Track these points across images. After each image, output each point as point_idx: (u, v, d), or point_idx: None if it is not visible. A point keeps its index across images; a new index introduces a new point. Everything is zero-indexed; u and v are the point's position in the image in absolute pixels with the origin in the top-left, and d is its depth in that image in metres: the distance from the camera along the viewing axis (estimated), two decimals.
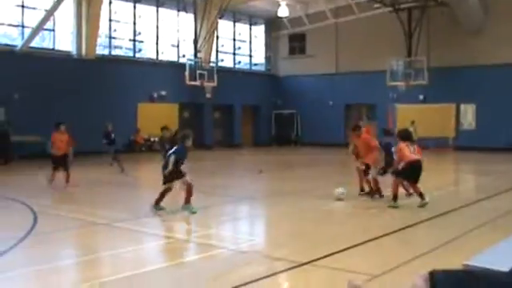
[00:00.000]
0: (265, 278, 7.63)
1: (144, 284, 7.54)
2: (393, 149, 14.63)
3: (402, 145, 13.56)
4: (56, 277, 7.97)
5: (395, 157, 14.19)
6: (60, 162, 17.27)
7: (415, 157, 13.44)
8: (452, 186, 20.02)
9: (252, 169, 22.50)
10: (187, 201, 12.86)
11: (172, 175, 12.79)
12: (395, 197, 13.45)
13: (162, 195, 12.87)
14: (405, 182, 14.20)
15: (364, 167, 14.97)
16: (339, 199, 14.48)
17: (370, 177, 14.78)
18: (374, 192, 14.71)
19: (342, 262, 8.35)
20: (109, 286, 7.38)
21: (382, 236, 10.13)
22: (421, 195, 13.30)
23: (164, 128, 18.18)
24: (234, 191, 17.27)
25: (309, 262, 8.26)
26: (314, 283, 7.57)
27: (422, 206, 13.12)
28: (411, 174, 13.33)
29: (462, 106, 36.07)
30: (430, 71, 35.64)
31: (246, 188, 18.49)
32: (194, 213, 12.66)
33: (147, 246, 10.23)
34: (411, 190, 14.19)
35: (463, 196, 17.09)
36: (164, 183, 12.88)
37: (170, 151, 13.09)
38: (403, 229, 10.87)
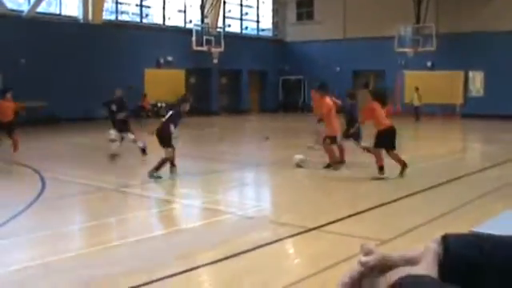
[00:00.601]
0: (272, 243, 7.68)
1: (151, 248, 7.59)
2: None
3: (376, 105, 12.73)
4: (63, 242, 8.04)
5: (360, 115, 14.03)
6: (6, 129, 17.04)
7: (389, 123, 12.76)
8: (457, 154, 19.98)
9: (259, 135, 22.50)
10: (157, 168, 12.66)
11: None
12: (381, 168, 12.70)
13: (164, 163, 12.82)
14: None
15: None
16: (299, 166, 14.11)
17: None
18: (335, 162, 13.89)
19: (348, 228, 8.39)
20: (115, 251, 7.44)
21: (387, 203, 10.15)
22: (381, 168, 12.67)
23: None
24: (241, 158, 17.33)
25: (315, 228, 8.31)
26: (321, 248, 7.60)
27: (377, 178, 12.39)
28: (387, 141, 12.67)
29: (471, 73, 35.80)
30: (438, 37, 35.32)
31: (252, 154, 18.52)
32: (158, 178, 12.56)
33: (154, 211, 10.31)
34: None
35: (468, 164, 17.07)
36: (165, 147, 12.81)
37: (167, 115, 13.05)
38: (408, 196, 10.86)
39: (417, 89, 33.62)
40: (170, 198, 11.56)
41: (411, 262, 0.89)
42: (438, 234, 0.90)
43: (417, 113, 32.86)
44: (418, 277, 0.83)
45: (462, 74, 35.86)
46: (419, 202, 10.55)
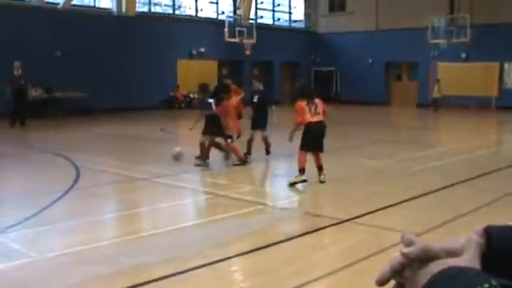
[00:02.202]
0: (305, 234, 7.69)
1: (184, 238, 7.66)
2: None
3: (301, 104, 11.30)
4: (98, 230, 8.16)
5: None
6: None
7: (311, 119, 11.20)
8: (494, 147, 19.73)
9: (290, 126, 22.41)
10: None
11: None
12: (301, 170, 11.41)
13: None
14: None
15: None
16: (176, 159, 13.87)
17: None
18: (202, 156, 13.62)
19: (383, 220, 8.36)
20: (149, 240, 7.53)
21: (422, 195, 10.09)
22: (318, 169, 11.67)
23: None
24: (274, 148, 17.27)
25: (349, 220, 8.30)
26: (354, 240, 7.59)
27: (293, 183, 11.22)
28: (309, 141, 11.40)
29: (506, 65, 35.26)
30: (472, 28, 34.80)
31: (284, 145, 18.45)
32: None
33: (187, 201, 10.39)
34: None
35: (506, 156, 16.83)
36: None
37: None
38: (443, 188, 10.78)
39: (438, 80, 33.51)
40: (203, 188, 11.63)
41: (453, 253, 0.89)
42: (475, 228, 0.91)
43: (435, 104, 32.84)
44: (461, 268, 0.83)
45: (497, 65, 35.29)
46: (455, 195, 10.46)
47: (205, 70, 33.98)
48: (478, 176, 12.09)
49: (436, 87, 33.84)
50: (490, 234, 0.91)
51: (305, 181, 11.26)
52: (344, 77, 41.28)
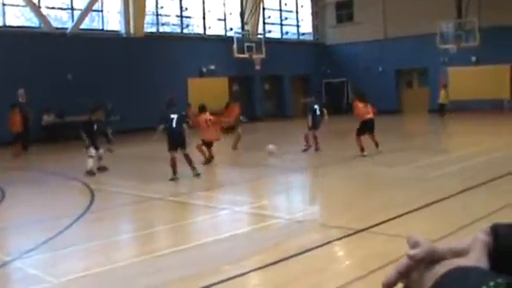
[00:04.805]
0: (322, 245, 7.65)
1: (202, 255, 7.64)
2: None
3: (359, 105, 17.62)
4: (116, 251, 8.16)
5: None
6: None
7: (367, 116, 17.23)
8: (509, 149, 19.58)
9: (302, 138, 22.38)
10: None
11: None
12: (362, 149, 16.77)
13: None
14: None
15: None
16: (271, 154, 17.42)
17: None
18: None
19: (398, 228, 8.30)
20: (168, 258, 7.51)
21: (438, 201, 10.01)
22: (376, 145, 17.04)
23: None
24: (287, 162, 17.28)
25: (365, 229, 8.24)
26: (371, 250, 7.53)
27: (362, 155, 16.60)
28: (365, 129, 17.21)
29: None
30: (481, 32, 34.64)
31: (299, 158, 18.46)
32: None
33: (203, 218, 10.36)
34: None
35: None
36: None
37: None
38: (460, 192, 10.70)
39: (445, 86, 33.49)
40: (218, 205, 11.60)
41: (460, 253, 0.87)
42: None
43: (442, 110, 32.72)
44: (467, 268, 0.81)
45: (507, 67, 35.13)
46: (473, 199, 10.37)
47: (216, 88, 34.09)
48: (496, 178, 11.98)
49: (443, 93, 33.77)
50: (497, 232, 0.89)
51: (365, 155, 16.57)
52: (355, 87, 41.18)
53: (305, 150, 18.78)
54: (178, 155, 14.01)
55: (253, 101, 38.27)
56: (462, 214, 9.00)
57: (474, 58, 35.95)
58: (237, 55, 34.84)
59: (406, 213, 9.14)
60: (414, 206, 9.57)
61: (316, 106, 19.09)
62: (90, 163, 15.32)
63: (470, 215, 8.71)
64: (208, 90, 32.94)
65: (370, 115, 17.18)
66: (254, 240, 8.30)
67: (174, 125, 14.14)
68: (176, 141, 14.08)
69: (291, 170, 15.63)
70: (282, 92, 40.98)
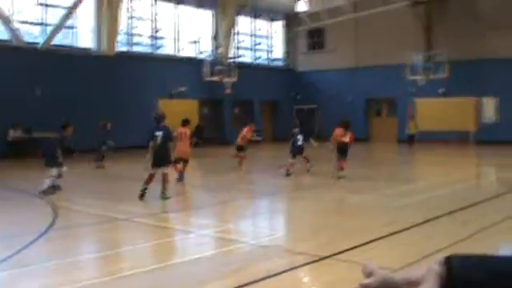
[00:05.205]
0: (286, 271, 7.62)
1: (164, 278, 7.56)
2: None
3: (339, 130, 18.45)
4: (76, 271, 8.01)
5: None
6: None
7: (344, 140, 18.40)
8: (473, 180, 19.85)
9: (272, 163, 22.45)
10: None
11: None
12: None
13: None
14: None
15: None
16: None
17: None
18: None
19: (363, 256, 8.31)
20: (128, 281, 7.41)
21: (403, 230, 10.07)
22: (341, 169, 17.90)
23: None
24: (256, 186, 17.29)
25: (330, 256, 8.23)
26: (335, 276, 7.53)
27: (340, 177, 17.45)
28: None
29: (484, 100, 35.67)
30: (450, 65, 35.26)
31: (267, 182, 18.48)
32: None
33: (167, 240, 10.26)
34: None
35: (485, 189, 16.93)
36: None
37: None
38: (425, 222, 10.78)
39: (413, 117, 34.25)
40: (183, 227, 11.51)
41: (413, 283, 0.87)
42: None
43: (410, 140, 33.37)
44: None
45: (475, 100, 35.70)
46: (437, 229, 10.44)
47: (185, 110, 33.99)
48: (460, 209, 12.11)
49: (412, 123, 34.36)
50: (451, 263, 0.89)
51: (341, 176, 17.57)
52: (325, 114, 41.44)
53: (288, 175, 18.83)
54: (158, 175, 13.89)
55: (222, 124, 38.26)
56: (425, 244, 9.06)
57: (442, 90, 36.53)
58: (208, 78, 34.92)
59: (372, 240, 9.17)
60: (379, 233, 9.61)
61: (299, 136, 19.55)
62: (50, 182, 15.06)
63: (433, 245, 8.77)
64: (178, 112, 32.81)
65: (346, 139, 18.14)
66: (218, 264, 8.24)
67: (158, 142, 13.95)
68: (159, 158, 13.91)
69: (260, 194, 15.64)
70: (252, 116, 41.03)
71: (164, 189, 13.91)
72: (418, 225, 10.52)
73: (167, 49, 36.36)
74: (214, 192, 16.27)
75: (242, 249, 9.19)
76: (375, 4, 39.02)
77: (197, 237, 10.35)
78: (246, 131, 21.30)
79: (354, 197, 14.52)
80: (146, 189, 13.74)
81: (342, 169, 17.96)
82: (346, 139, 18.20)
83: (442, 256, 0.92)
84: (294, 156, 19.18)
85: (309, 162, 19.62)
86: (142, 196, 13.72)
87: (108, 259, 8.82)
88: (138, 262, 8.42)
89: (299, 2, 40.92)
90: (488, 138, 33.75)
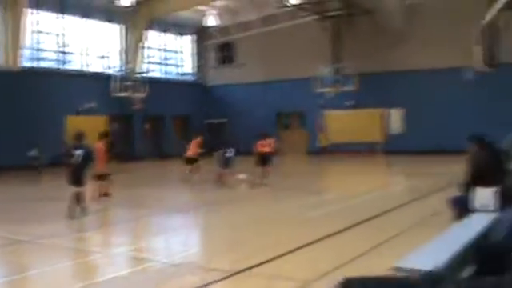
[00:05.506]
0: None
1: None
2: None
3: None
4: None
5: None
6: None
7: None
8: (382, 189, 20.28)
9: (185, 179, 22.20)
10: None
11: None
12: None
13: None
14: None
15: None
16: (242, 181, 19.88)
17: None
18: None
19: (275, 269, 8.27)
20: None
21: (317, 240, 10.08)
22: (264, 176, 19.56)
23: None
24: (167, 202, 17.03)
25: (243, 271, 8.14)
26: None
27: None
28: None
29: (391, 111, 36.66)
30: (357, 77, 36.11)
31: (179, 199, 18.26)
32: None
33: (75, 262, 9.89)
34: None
35: (394, 198, 17.28)
36: None
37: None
38: (338, 233, 10.86)
39: (323, 129, 34.97)
40: (93, 247, 11.14)
41: None
42: (363, 272, 0.81)
43: (322, 152, 34.18)
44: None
45: (382, 112, 36.67)
46: (347, 240, 10.53)
47: (94, 126, 33.26)
48: (371, 218, 12.29)
49: (322, 135, 34.99)
50: (346, 286, 0.84)
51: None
52: (236, 128, 41.47)
53: (218, 184, 19.86)
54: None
55: (132, 140, 37.70)
56: (340, 254, 9.09)
57: (350, 102, 37.31)
58: (117, 93, 34.36)
59: (286, 253, 9.13)
60: (292, 246, 9.58)
61: (229, 149, 20.63)
62: None
63: (346, 254, 8.82)
64: (87, 128, 32.02)
65: (265, 149, 20.11)
66: (127, 285, 8.00)
67: (76, 160, 13.62)
68: (76, 177, 13.60)
69: (176, 208, 15.40)
70: (163, 131, 40.65)
71: (80, 208, 13.59)
72: (330, 235, 10.57)
73: (75, 64, 35.52)
74: (129, 208, 15.92)
75: (154, 267, 8.97)
76: (284, 18, 39.59)
77: (106, 257, 10.03)
78: (195, 144, 21.88)
79: (271, 209, 14.52)
80: (75, 208, 13.43)
81: (265, 177, 19.58)
82: (267, 149, 19.91)
83: (341, 277, 0.84)
84: (224, 167, 20.24)
85: (235, 174, 20.84)
86: (71, 216, 13.36)
87: (11, 285, 8.40)
88: (50, 286, 8.07)
89: (209, 16, 40.95)
90: (395, 148, 34.71)
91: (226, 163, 20.31)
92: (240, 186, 20.32)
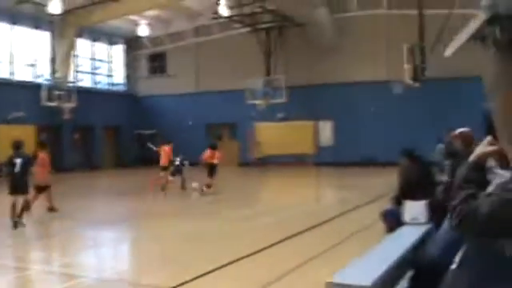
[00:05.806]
0: None
1: None
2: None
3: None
4: None
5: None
6: None
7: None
8: (314, 201, 20.46)
9: (115, 191, 21.86)
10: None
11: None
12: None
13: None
14: None
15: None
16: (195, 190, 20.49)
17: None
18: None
19: (207, 285, 8.19)
20: None
21: (250, 254, 10.02)
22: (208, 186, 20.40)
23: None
24: (96, 214, 16.68)
25: (176, 287, 8.02)
26: None
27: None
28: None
29: (321, 123, 37.12)
30: (288, 89, 36.44)
31: (109, 211, 17.91)
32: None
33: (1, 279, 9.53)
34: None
35: (326, 210, 17.44)
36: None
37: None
38: (272, 245, 10.83)
39: (257, 142, 35.32)
40: (17, 264, 10.74)
41: None
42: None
43: (256, 164, 34.48)
44: None
45: (312, 124, 37.07)
46: (279, 254, 10.51)
47: (22, 136, 32.30)
48: (304, 231, 12.33)
49: (254, 147, 35.22)
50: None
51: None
52: (166, 139, 41.00)
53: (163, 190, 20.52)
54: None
55: (62, 151, 36.85)
56: (268, 270, 9.07)
57: (281, 115, 37.59)
58: (46, 103, 33.60)
59: (219, 267, 9.05)
60: (224, 260, 9.50)
61: (177, 157, 21.65)
62: None
63: (278, 269, 8.81)
64: (14, 138, 31.19)
65: (213, 160, 20.95)
66: None
67: (17, 169, 13.59)
68: (16, 185, 13.54)
69: (105, 222, 15.08)
70: (93, 142, 39.96)
71: (19, 217, 13.43)
72: (265, 248, 10.53)
73: (1, 72, 34.49)
74: (60, 220, 15.45)
75: (82, 284, 8.72)
76: (217, 30, 39.63)
77: (32, 274, 9.69)
78: (167, 150, 22.34)
79: (203, 223, 14.38)
80: (19, 217, 13.35)
81: (208, 187, 20.50)
82: (215, 160, 20.84)
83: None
84: (173, 174, 21.23)
85: (185, 180, 21.55)
86: (15, 226, 13.25)
87: None
88: None
89: (140, 25, 40.56)
90: (325, 161, 35.15)
91: (174, 171, 21.27)
92: (189, 195, 20.40)
